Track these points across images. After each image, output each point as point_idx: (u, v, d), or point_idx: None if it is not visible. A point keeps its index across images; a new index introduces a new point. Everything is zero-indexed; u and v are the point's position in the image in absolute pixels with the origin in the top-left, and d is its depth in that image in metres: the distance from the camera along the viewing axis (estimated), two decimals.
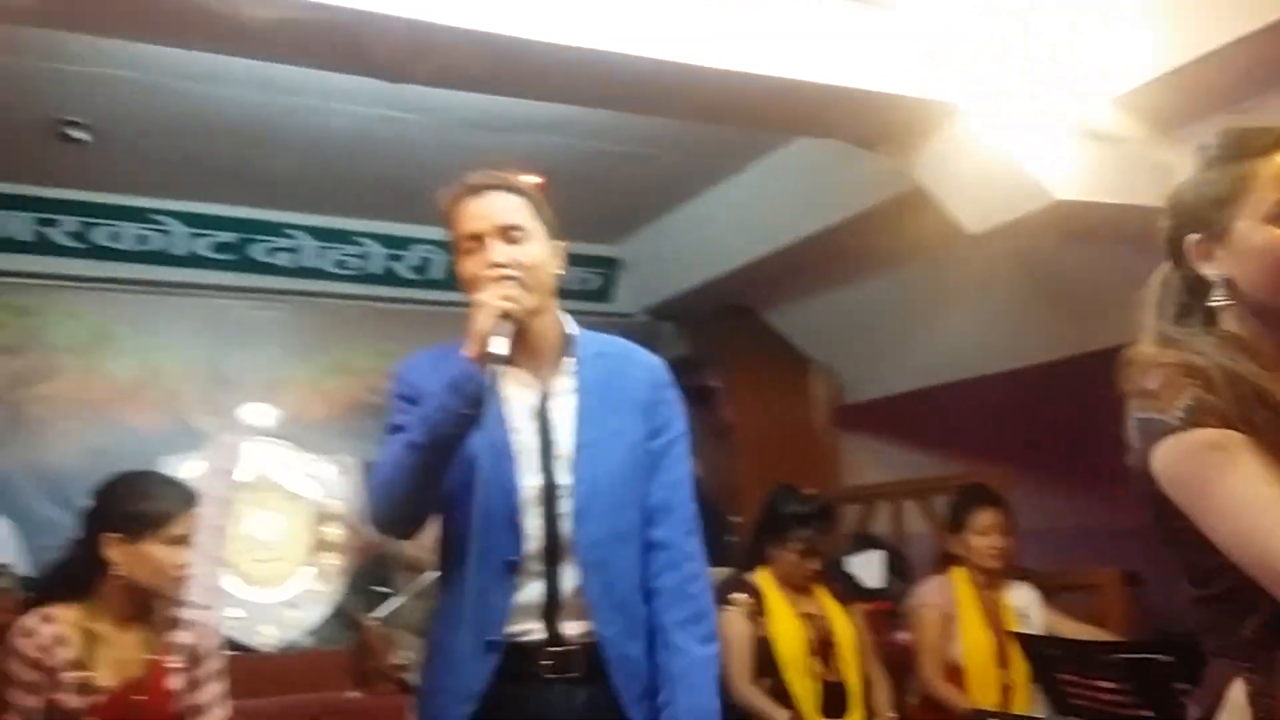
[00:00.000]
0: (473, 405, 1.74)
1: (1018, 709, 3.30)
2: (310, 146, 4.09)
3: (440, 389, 1.76)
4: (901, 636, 3.90)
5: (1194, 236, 1.38)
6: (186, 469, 3.36)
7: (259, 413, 3.71)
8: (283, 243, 4.79)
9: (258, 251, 4.77)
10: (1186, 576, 1.37)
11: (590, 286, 5.33)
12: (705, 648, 1.85)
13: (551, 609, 1.83)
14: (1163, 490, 1.29)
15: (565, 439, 1.87)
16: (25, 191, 4.34)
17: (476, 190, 1.88)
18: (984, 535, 3.59)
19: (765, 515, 3.55)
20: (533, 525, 1.83)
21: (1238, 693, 1.27)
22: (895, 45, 3.19)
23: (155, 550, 2.29)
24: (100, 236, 4.52)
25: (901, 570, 4.48)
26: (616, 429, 1.88)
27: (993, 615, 3.58)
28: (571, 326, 1.96)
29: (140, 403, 4.57)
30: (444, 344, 1.89)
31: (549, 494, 1.85)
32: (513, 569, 1.82)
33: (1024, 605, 3.65)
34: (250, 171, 4.30)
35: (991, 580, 3.62)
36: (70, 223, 4.45)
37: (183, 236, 4.64)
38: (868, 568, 4.40)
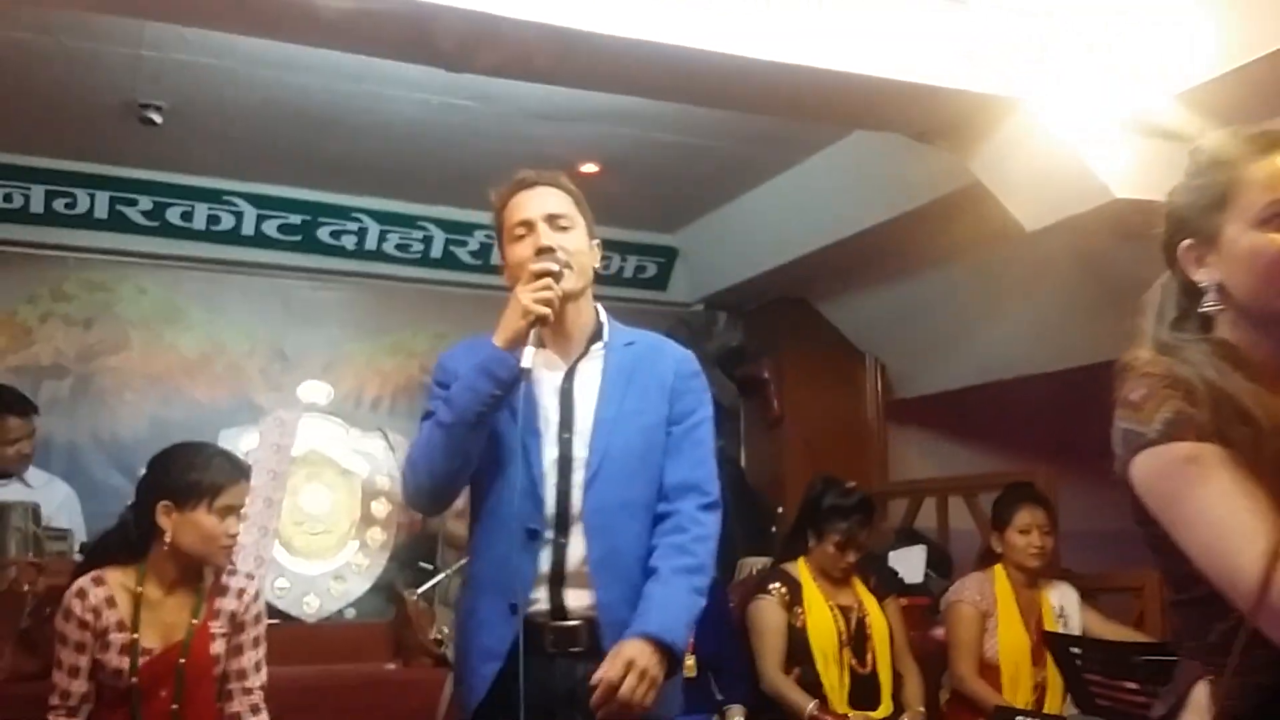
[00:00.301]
0: (500, 388, 1.85)
1: (1051, 708, 3.29)
2: (375, 133, 4.18)
3: (469, 371, 1.88)
4: (938, 632, 3.90)
5: (1186, 242, 1.38)
6: (244, 442, 3.45)
7: (315, 390, 3.80)
8: (347, 225, 4.90)
9: (323, 233, 4.88)
10: (1166, 581, 1.39)
11: (647, 275, 5.37)
12: (693, 590, 1.92)
13: (557, 578, 1.92)
14: (1141, 499, 1.31)
15: (585, 415, 1.98)
16: (103, 171, 4.48)
17: (528, 184, 2.03)
18: (1025, 534, 3.59)
19: (805, 507, 3.57)
20: (549, 496, 1.94)
21: (1200, 694, 1.30)
22: (954, 39, 3.17)
23: (205, 519, 2.38)
24: (173, 216, 4.66)
25: (943, 566, 4.46)
26: (636, 408, 1.99)
27: (1030, 614, 3.58)
28: (604, 316, 2.08)
29: (204, 377, 4.72)
30: (483, 334, 1.98)
31: (564, 466, 1.95)
32: (533, 537, 1.91)
33: (1062, 605, 3.64)
34: (318, 156, 4.41)
35: (1031, 579, 3.62)
36: (145, 202, 4.59)
37: (251, 217, 4.77)
38: (909, 563, 4.39)
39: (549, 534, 1.93)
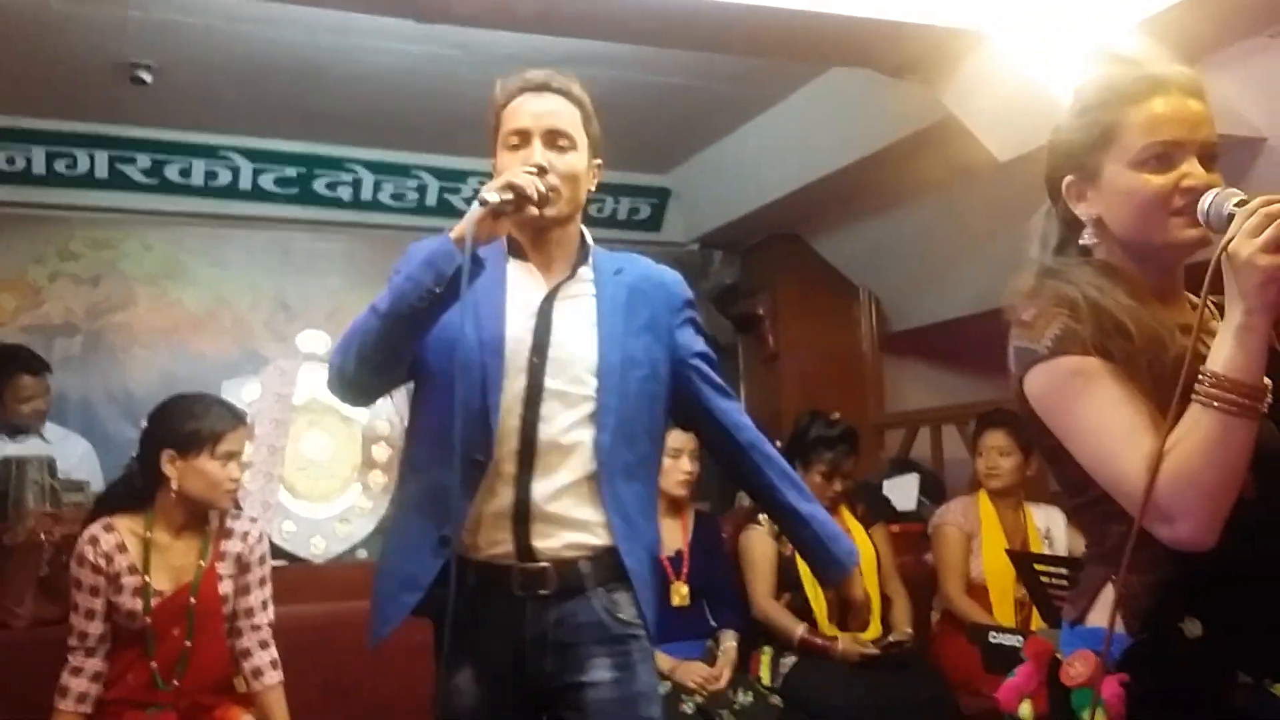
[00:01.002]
0: (439, 283, 1.67)
1: (1036, 624, 3.40)
2: (363, 84, 4.24)
3: (414, 262, 1.71)
4: (931, 557, 4.02)
5: (1069, 178, 1.46)
6: (247, 392, 3.58)
7: (314, 339, 3.92)
8: (342, 177, 4.98)
9: (319, 185, 4.97)
10: (1063, 488, 1.47)
11: (641, 216, 5.44)
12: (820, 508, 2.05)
13: (521, 516, 1.78)
14: (1034, 411, 1.39)
15: (571, 349, 1.82)
16: (102, 131, 4.56)
17: (533, 86, 1.86)
18: (982, 456, 3.75)
19: (792, 439, 3.67)
20: (508, 427, 1.78)
21: (1108, 593, 1.36)
22: None
23: (208, 465, 2.50)
24: (171, 173, 4.75)
25: (936, 494, 4.57)
26: (636, 355, 1.85)
27: (1015, 535, 3.69)
28: (589, 238, 1.93)
29: (210, 330, 4.85)
30: None
31: (532, 395, 1.79)
32: (477, 468, 1.76)
33: (1048, 526, 3.75)
34: (308, 109, 4.47)
35: (1013, 502, 3.74)
36: (143, 160, 4.68)
37: (248, 172, 4.85)
38: (902, 491, 4.51)
39: (509, 468, 1.78)
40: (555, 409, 1.80)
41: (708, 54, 3.82)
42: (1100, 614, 1.36)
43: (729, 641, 3.37)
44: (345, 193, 5.01)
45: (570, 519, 1.81)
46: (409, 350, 1.76)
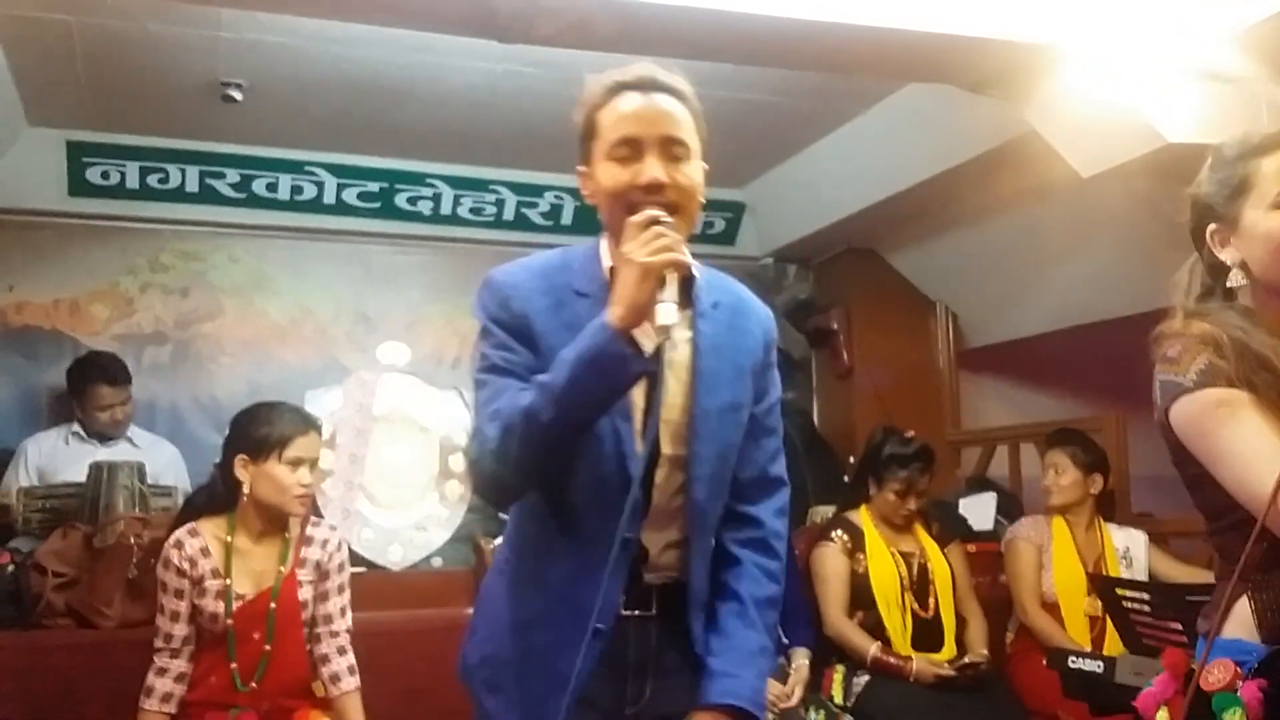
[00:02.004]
0: (617, 391, 1.51)
1: (1111, 643, 3.35)
2: (443, 101, 4.31)
3: (575, 361, 1.48)
4: (1005, 578, 3.97)
5: (1212, 227, 1.60)
6: (329, 401, 3.65)
7: (394, 351, 3.99)
8: (423, 191, 5.05)
9: (400, 200, 5.05)
10: (1203, 513, 1.58)
11: (715, 230, 5.44)
12: (771, 640, 1.73)
13: (636, 575, 1.66)
14: (1179, 440, 1.52)
15: (675, 402, 1.64)
16: (193, 147, 4.69)
17: (645, 86, 1.61)
18: (1047, 473, 3.78)
19: (866, 456, 3.66)
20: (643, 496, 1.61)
21: (1243, 607, 1.50)
22: None
23: (276, 470, 2.57)
24: (259, 187, 4.86)
25: (1013, 513, 4.49)
26: (732, 401, 1.68)
27: (1090, 553, 3.68)
28: (695, 266, 1.64)
29: (293, 340, 4.96)
30: (546, 255, 1.70)
31: (651, 462, 1.63)
32: (627, 547, 1.59)
33: (1128, 547, 3.70)
34: (391, 126, 4.55)
35: (1085, 520, 3.74)
36: (232, 175, 4.80)
37: (332, 187, 4.94)
38: (979, 510, 4.44)
39: (632, 533, 1.61)
40: (666, 473, 1.65)
41: (786, 71, 3.83)
42: (1235, 626, 1.49)
43: (800, 659, 3.37)
44: (425, 207, 5.10)
45: (675, 565, 1.70)
46: (568, 452, 1.57)
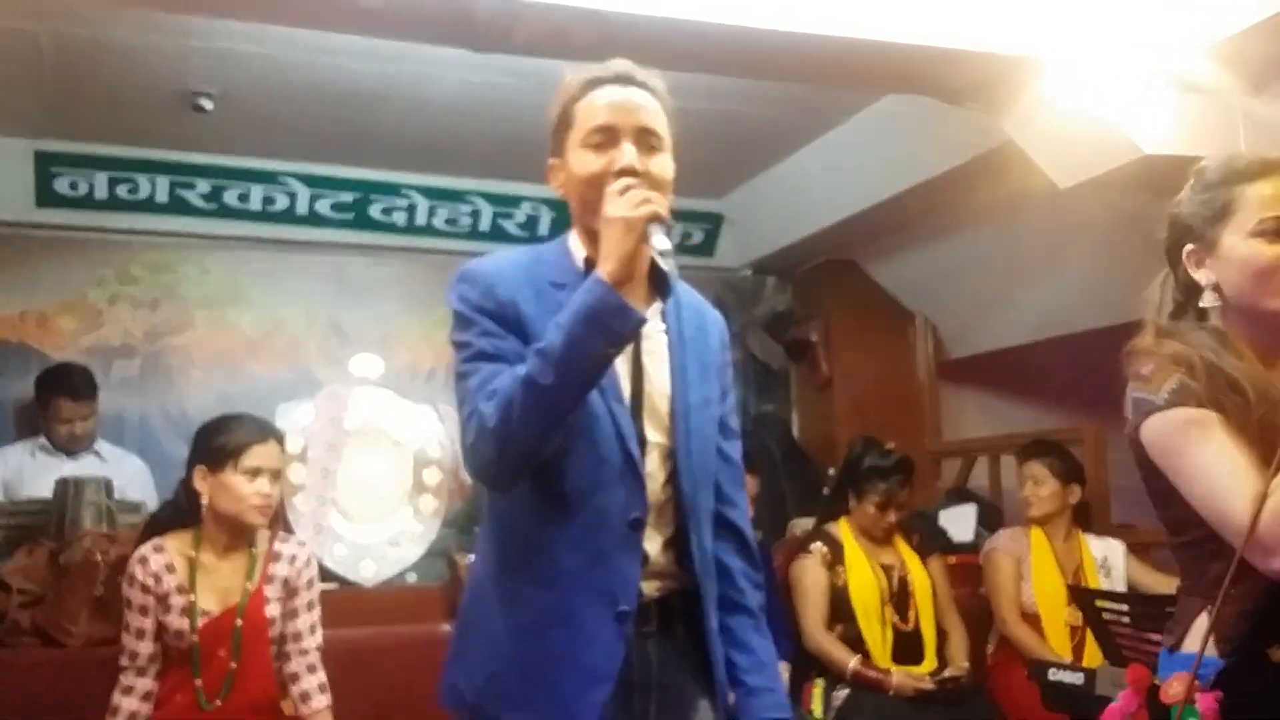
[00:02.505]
0: (615, 343, 1.48)
1: (1090, 653, 3.33)
2: (418, 111, 4.27)
3: (571, 320, 1.46)
4: (984, 589, 3.95)
5: (1189, 247, 1.62)
6: (301, 415, 3.59)
7: (368, 364, 3.93)
8: (397, 202, 5.01)
9: (374, 210, 5.00)
10: (1167, 527, 1.61)
11: (694, 241, 5.43)
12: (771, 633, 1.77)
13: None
14: (1149, 456, 1.55)
15: (657, 392, 1.65)
16: (163, 157, 4.63)
17: (621, 79, 1.64)
18: (1022, 487, 3.77)
19: (845, 468, 3.63)
20: (647, 481, 1.61)
21: (1202, 622, 1.52)
22: (979, 1, 3.18)
23: (232, 480, 2.52)
24: (230, 198, 4.81)
25: (994, 524, 4.48)
26: (705, 396, 1.70)
27: (1069, 563, 3.67)
28: (665, 265, 1.60)
29: (266, 353, 4.89)
30: (517, 251, 1.69)
31: (643, 449, 1.62)
32: (636, 527, 1.59)
33: (1106, 556, 3.71)
34: (365, 135, 4.52)
35: (1062, 530, 3.72)
36: (203, 185, 4.74)
37: (305, 197, 4.89)
38: (959, 521, 4.43)
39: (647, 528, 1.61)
40: (656, 461, 1.64)
41: (763, 81, 3.81)
42: (1194, 641, 1.52)
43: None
44: (400, 218, 5.05)
45: (671, 570, 1.68)
46: (569, 420, 1.53)
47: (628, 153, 1.57)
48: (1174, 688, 1.49)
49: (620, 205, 1.50)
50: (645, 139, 1.60)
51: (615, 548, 1.58)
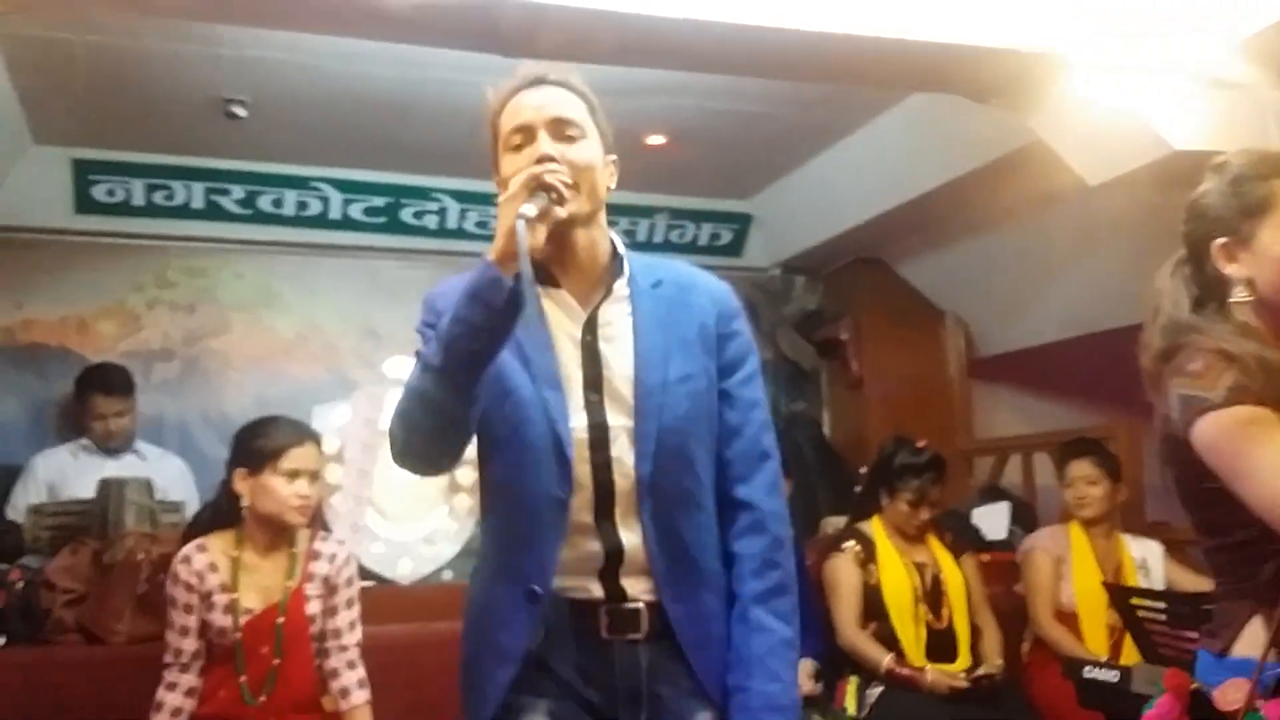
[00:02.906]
0: (495, 316, 1.47)
1: (1128, 652, 3.32)
2: (447, 116, 4.30)
3: (457, 301, 1.50)
4: (1020, 588, 3.94)
5: (1220, 241, 1.57)
6: (337, 416, 3.64)
7: (402, 365, 3.97)
8: (429, 206, 5.07)
9: (406, 214, 5.06)
10: (1204, 529, 1.58)
11: (722, 242, 5.44)
12: (786, 627, 1.65)
13: (611, 567, 1.63)
14: (1198, 456, 1.49)
15: (619, 377, 1.64)
16: (198, 164, 4.70)
17: (530, 82, 1.68)
18: (1070, 487, 3.72)
19: (878, 466, 3.63)
20: (581, 473, 1.61)
21: (1256, 626, 1.48)
22: None
23: (271, 481, 2.56)
24: (264, 203, 4.88)
25: (1027, 522, 4.47)
26: (682, 372, 1.65)
27: (1108, 563, 3.64)
28: (621, 246, 1.71)
29: (301, 355, 4.97)
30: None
31: (598, 435, 1.62)
32: (562, 509, 1.60)
33: (1144, 557, 3.68)
34: (395, 140, 4.56)
35: (1104, 529, 3.69)
36: (237, 191, 4.81)
37: (338, 202, 4.96)
38: (992, 519, 4.42)
39: (587, 518, 1.62)
40: (625, 447, 1.63)
41: (790, 81, 3.83)
42: (1247, 645, 1.48)
43: (805, 669, 3.33)
44: (431, 221, 5.10)
45: (659, 562, 1.64)
46: (472, 402, 1.53)
47: (543, 141, 1.60)
48: (1230, 694, 1.44)
49: (504, 193, 1.54)
50: (560, 129, 1.62)
51: (538, 530, 1.60)
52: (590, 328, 1.66)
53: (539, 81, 1.68)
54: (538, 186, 1.50)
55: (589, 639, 1.62)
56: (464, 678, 1.69)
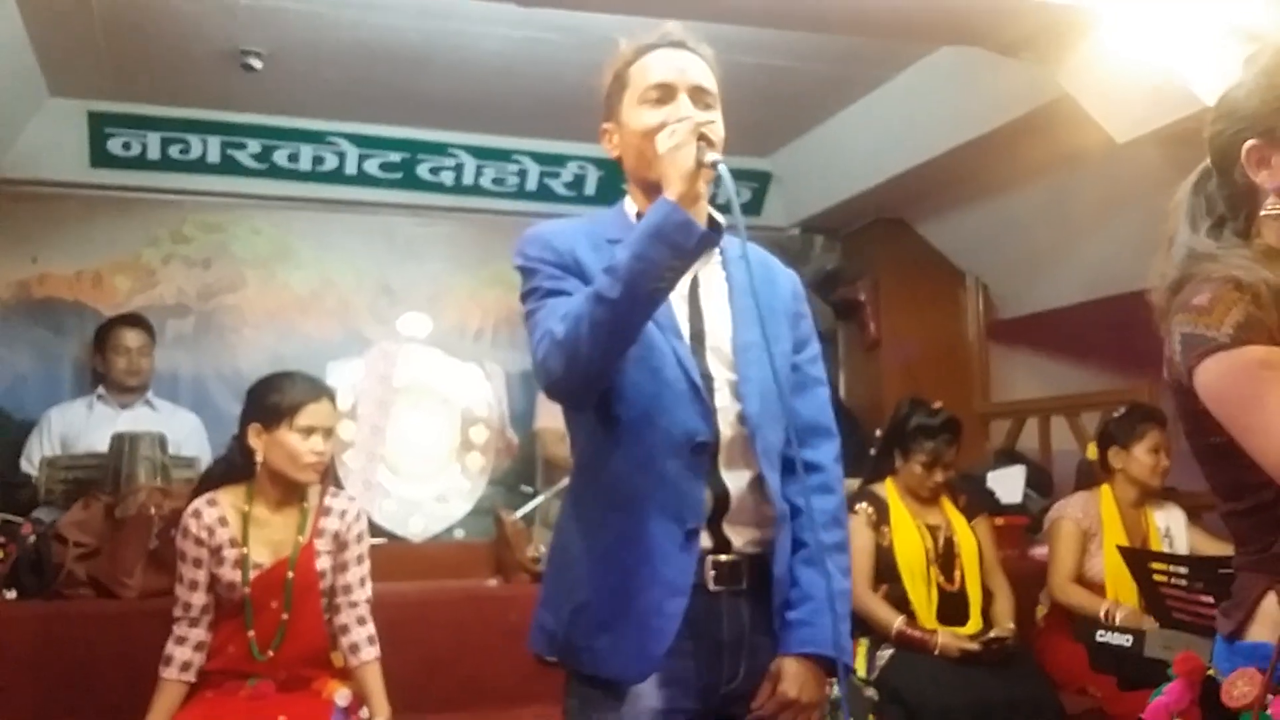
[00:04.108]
0: (682, 257, 1.51)
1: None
2: (465, 69, 4.26)
3: (638, 237, 1.53)
4: (1037, 551, 3.91)
5: (1251, 141, 1.34)
6: (351, 373, 3.64)
7: (416, 322, 3.97)
8: (445, 162, 5.01)
9: (422, 170, 5.00)
10: (1217, 491, 1.37)
11: (741, 200, 5.36)
12: (845, 580, 1.75)
13: (718, 514, 1.68)
14: (1203, 405, 1.28)
15: (719, 333, 1.73)
16: (213, 117, 4.66)
17: (673, 43, 1.74)
18: (1154, 453, 3.57)
19: (892, 428, 3.60)
20: (710, 410, 1.67)
21: (1270, 604, 1.28)
22: None
23: (287, 438, 2.55)
24: (280, 158, 4.83)
25: (1043, 486, 4.44)
26: (772, 335, 1.70)
27: (1135, 534, 3.57)
28: (721, 218, 1.72)
29: (316, 312, 4.94)
30: (574, 218, 1.79)
31: (706, 385, 1.68)
32: (700, 451, 1.65)
33: (1168, 525, 3.63)
34: (411, 94, 4.51)
35: (1140, 499, 3.63)
36: (253, 145, 4.76)
37: (354, 157, 4.90)
38: (1008, 483, 4.38)
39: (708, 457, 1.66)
40: (728, 397, 1.70)
41: (812, 35, 3.75)
42: (1261, 628, 1.29)
43: None
44: (447, 178, 5.05)
45: (759, 518, 1.71)
46: (636, 337, 1.59)
47: (684, 104, 1.66)
48: (1240, 687, 1.26)
49: (667, 139, 1.57)
50: (700, 96, 1.69)
51: (681, 470, 1.64)
52: (694, 285, 1.73)
53: (680, 45, 1.74)
54: (700, 138, 1.54)
55: (698, 593, 1.65)
56: (607, 614, 1.65)
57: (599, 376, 1.61)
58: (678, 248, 1.50)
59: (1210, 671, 1.34)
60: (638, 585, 1.63)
